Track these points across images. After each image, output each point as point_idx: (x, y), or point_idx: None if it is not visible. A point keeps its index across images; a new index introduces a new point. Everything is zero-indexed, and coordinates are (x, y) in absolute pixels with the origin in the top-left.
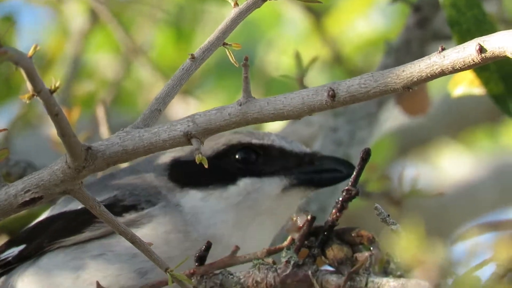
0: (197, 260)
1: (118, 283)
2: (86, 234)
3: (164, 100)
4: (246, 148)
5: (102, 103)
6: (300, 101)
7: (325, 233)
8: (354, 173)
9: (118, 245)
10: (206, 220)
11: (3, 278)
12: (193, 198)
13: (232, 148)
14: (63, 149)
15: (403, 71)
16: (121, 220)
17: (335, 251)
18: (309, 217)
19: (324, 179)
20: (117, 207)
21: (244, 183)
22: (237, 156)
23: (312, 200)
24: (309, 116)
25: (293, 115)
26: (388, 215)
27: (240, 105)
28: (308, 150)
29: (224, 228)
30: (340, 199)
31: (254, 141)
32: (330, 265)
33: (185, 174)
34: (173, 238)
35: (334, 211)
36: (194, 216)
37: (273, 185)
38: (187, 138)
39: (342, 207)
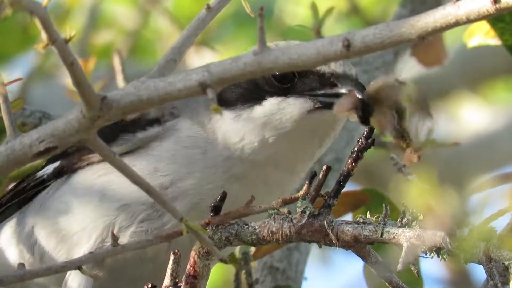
0: (212, 210)
1: (140, 199)
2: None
3: (179, 50)
4: None
5: (117, 53)
6: (315, 51)
7: (341, 183)
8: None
9: (142, 160)
10: (232, 139)
11: (38, 196)
12: (225, 119)
13: None
14: (79, 98)
15: (418, 21)
16: (143, 134)
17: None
18: (324, 167)
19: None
20: (141, 121)
21: (270, 103)
22: (271, 76)
23: (328, 150)
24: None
25: (308, 65)
26: (404, 165)
27: (255, 55)
28: (339, 69)
29: (249, 148)
30: (356, 148)
31: None
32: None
33: (223, 94)
34: (193, 153)
35: (349, 161)
36: (222, 135)
37: (297, 105)
38: (202, 87)
39: (357, 157)
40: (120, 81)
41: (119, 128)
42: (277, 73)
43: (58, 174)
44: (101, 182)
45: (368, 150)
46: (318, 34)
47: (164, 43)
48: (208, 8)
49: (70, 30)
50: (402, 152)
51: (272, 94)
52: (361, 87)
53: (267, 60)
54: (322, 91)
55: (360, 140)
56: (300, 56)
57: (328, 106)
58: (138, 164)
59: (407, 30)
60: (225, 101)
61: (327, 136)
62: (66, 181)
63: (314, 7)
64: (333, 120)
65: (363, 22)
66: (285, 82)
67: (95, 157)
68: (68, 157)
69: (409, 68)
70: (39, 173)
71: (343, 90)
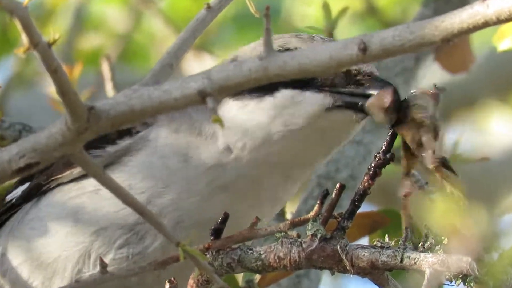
0: (213, 233)
1: (117, 222)
2: (79, 169)
3: (176, 54)
4: None
5: (107, 59)
6: (328, 56)
7: (356, 202)
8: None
9: (114, 178)
10: (233, 135)
11: (8, 222)
12: (230, 109)
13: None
14: (63, 109)
15: (442, 21)
16: (114, 148)
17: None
18: (338, 186)
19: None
20: (111, 133)
21: (283, 94)
22: None
23: (342, 167)
24: None
25: (320, 71)
26: (426, 183)
27: (261, 59)
28: (367, 68)
29: (252, 146)
30: (373, 165)
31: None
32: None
33: None
34: (172, 163)
35: (366, 178)
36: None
37: (314, 101)
38: (202, 96)
39: (374, 174)
40: (109, 89)
41: (87, 142)
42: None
43: (27, 197)
44: (73, 205)
45: (387, 166)
46: (330, 37)
47: (159, 47)
48: (208, 7)
49: (54, 32)
50: (424, 170)
51: (287, 86)
52: (394, 88)
53: (274, 66)
54: (346, 89)
55: (378, 155)
56: (311, 61)
57: (351, 106)
58: (111, 183)
59: (430, 31)
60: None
61: (338, 142)
62: (36, 204)
63: (326, 7)
64: (351, 124)
65: (380, 23)
66: None
67: (65, 177)
68: (37, 178)
69: (431, 75)
70: (9, 197)
71: (371, 91)
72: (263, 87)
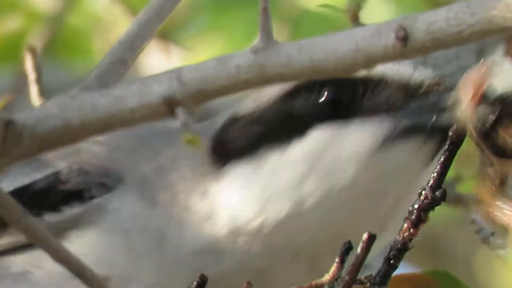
0: None
1: None
2: (4, 241)
3: (132, 45)
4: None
5: (30, 51)
6: (352, 47)
7: (392, 260)
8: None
9: (48, 261)
10: (245, 213)
11: None
12: (241, 171)
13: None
14: None
15: None
16: (55, 218)
17: None
18: (365, 236)
19: (441, 121)
20: (54, 194)
21: (319, 133)
22: (319, 96)
23: None
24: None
25: (341, 69)
26: (493, 233)
27: (256, 53)
28: (427, 75)
29: (273, 224)
30: (417, 206)
31: None
32: None
33: (227, 136)
34: (139, 243)
35: (406, 225)
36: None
37: (367, 132)
38: (169, 106)
39: (419, 219)
40: (34, 95)
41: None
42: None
43: None
44: None
45: (435, 208)
46: (355, 20)
47: (106, 35)
48: None
49: None
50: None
51: (322, 119)
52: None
53: (274, 62)
54: (411, 105)
55: (423, 192)
56: (327, 56)
57: (424, 129)
58: (43, 266)
59: (500, 13)
60: (234, 148)
61: (406, 189)
62: None
63: None
64: (427, 156)
65: (426, 1)
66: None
67: None
68: None
69: (500, 76)
70: None
71: (443, 100)
72: (284, 129)
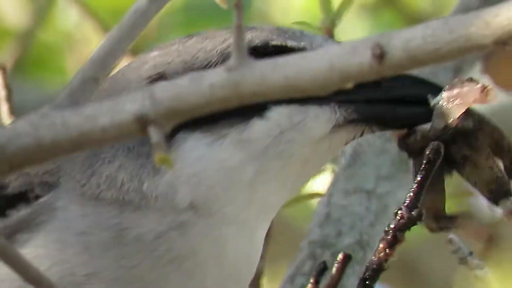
0: None
1: None
2: None
3: (103, 63)
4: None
5: (0, 68)
6: (328, 65)
7: (367, 281)
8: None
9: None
10: (202, 185)
11: None
12: (195, 146)
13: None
14: None
15: (496, 15)
16: (3, 223)
17: None
18: (340, 256)
19: (401, 114)
20: None
21: (278, 114)
22: None
23: (346, 229)
24: None
25: (316, 87)
26: (471, 253)
27: (230, 71)
28: None
29: (231, 197)
30: (392, 226)
31: (291, 43)
32: None
33: None
34: (96, 242)
35: (381, 245)
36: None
37: (321, 119)
38: (141, 125)
39: (395, 240)
40: (5, 113)
41: None
42: None
43: None
44: None
45: (411, 228)
46: (330, 37)
47: (77, 52)
48: None
49: None
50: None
51: (278, 101)
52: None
53: (248, 80)
54: (360, 94)
55: (399, 212)
56: (302, 74)
57: (373, 119)
58: None
59: (478, 30)
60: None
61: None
62: None
63: None
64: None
65: (403, 18)
66: None
67: None
68: None
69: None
70: None
71: (404, 91)
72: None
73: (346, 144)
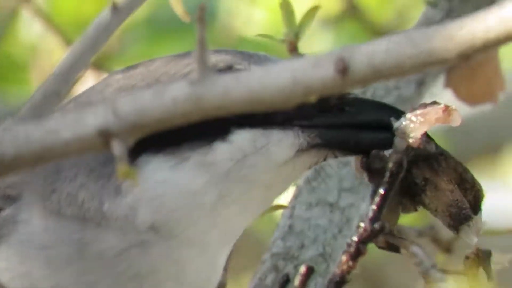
0: None
1: None
2: None
3: (66, 76)
4: None
5: None
6: (291, 79)
7: None
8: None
9: None
10: (165, 208)
11: None
12: (158, 169)
13: None
14: None
15: (459, 29)
16: None
17: None
18: (303, 269)
19: (365, 140)
20: None
21: (241, 138)
22: None
23: (308, 242)
24: None
25: (279, 101)
26: (433, 265)
27: (193, 84)
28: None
29: (192, 220)
30: (355, 239)
31: (255, 68)
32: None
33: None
34: (57, 256)
35: (344, 258)
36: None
37: (284, 143)
38: (104, 138)
39: (357, 252)
40: None
41: None
42: None
43: None
44: None
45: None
46: (293, 50)
47: (40, 65)
48: (115, 7)
49: None
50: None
51: (241, 125)
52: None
53: (211, 94)
54: (324, 119)
55: (362, 224)
56: (265, 88)
57: (336, 144)
58: None
59: (441, 44)
60: (155, 140)
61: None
62: None
63: (286, 7)
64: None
65: (367, 31)
66: None
67: None
68: None
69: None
70: None
71: (366, 116)
72: (207, 130)
73: (309, 168)
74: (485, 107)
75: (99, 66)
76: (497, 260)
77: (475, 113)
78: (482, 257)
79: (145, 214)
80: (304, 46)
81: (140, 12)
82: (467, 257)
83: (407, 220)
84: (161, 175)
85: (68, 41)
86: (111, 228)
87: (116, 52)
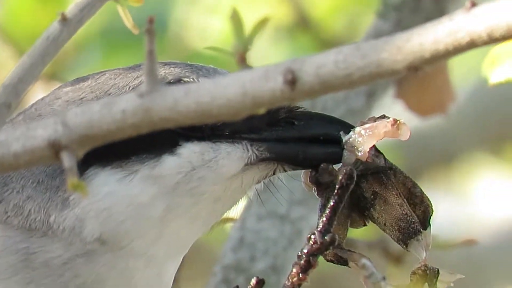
0: None
1: None
2: None
3: (16, 88)
4: None
5: None
6: (240, 90)
7: None
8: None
9: None
10: (111, 220)
11: None
12: (105, 182)
13: None
14: None
15: (408, 41)
16: None
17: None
18: (253, 281)
19: (313, 154)
20: None
21: (189, 151)
22: None
23: (260, 254)
24: None
25: (228, 114)
26: (384, 278)
27: (141, 97)
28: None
29: (142, 229)
30: (306, 251)
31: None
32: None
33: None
34: (6, 263)
35: (295, 270)
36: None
37: (233, 156)
38: (54, 150)
39: (308, 265)
40: None
41: None
42: None
43: None
44: None
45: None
46: (243, 62)
47: None
48: (64, 19)
49: None
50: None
51: (189, 138)
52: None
53: (160, 106)
54: (273, 132)
55: (312, 237)
56: (215, 100)
57: (285, 157)
58: None
59: (390, 55)
60: (104, 153)
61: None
62: None
63: (236, 18)
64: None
65: (316, 42)
66: None
67: None
68: None
69: None
70: None
71: (315, 130)
72: (154, 143)
73: (258, 182)
74: (438, 119)
75: (53, 77)
76: (444, 279)
77: (429, 124)
78: (429, 275)
79: (92, 226)
80: (255, 58)
81: (95, 24)
82: (413, 273)
83: (358, 233)
84: (110, 187)
85: (21, 53)
86: (57, 238)
87: (71, 62)
